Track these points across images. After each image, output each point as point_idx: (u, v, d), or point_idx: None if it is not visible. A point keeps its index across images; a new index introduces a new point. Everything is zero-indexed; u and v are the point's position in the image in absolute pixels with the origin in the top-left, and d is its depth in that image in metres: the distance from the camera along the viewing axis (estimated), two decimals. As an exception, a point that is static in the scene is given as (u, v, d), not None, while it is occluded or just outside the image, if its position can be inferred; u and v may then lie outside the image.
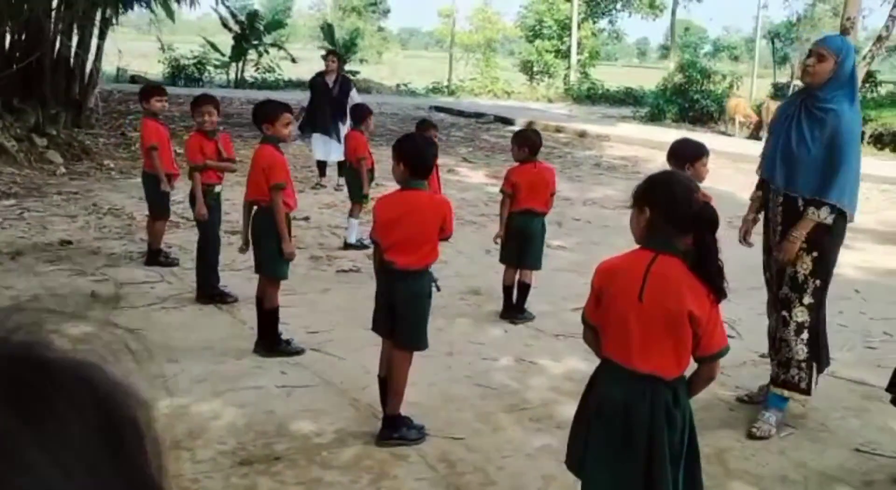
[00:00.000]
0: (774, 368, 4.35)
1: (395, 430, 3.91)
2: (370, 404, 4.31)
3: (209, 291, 5.90)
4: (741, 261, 6.74)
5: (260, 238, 4.92)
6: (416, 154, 3.95)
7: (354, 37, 30.96)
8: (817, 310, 4.25)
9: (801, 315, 4.18)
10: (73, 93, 14.09)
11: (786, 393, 4.27)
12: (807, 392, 4.28)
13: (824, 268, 4.17)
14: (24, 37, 13.29)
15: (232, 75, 29.03)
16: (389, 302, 3.97)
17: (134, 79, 24.80)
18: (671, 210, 2.65)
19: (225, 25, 27.70)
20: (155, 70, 27.62)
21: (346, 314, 5.93)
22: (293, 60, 28.97)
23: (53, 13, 13.07)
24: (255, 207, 4.95)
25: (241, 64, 28.91)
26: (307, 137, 10.73)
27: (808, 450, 4.10)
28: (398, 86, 31.03)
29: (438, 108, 24.13)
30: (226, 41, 28.53)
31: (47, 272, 6.43)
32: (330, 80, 10.28)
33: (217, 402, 4.28)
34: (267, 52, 29.65)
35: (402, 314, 3.92)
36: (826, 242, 4.12)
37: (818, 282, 4.16)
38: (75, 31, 13.84)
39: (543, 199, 5.83)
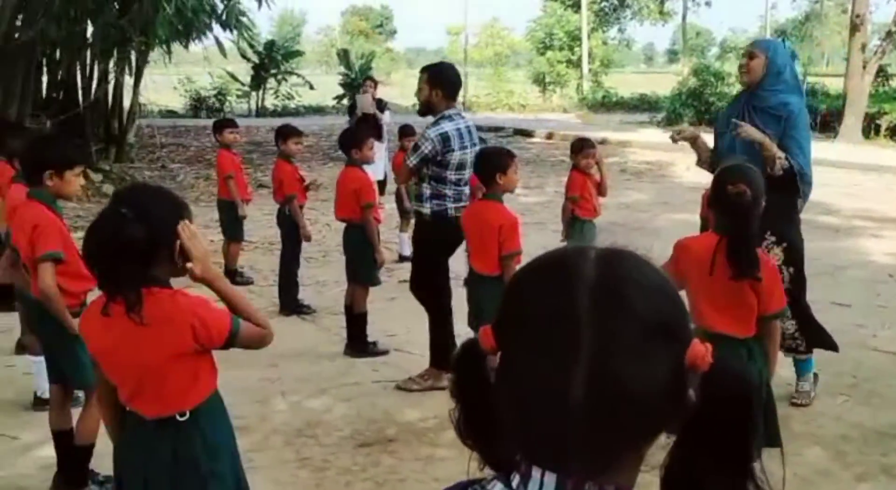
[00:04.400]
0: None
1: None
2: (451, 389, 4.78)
3: (291, 304, 6.40)
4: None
5: (353, 251, 5.43)
6: (482, 167, 4.43)
7: (370, 60, 31.57)
8: (798, 294, 4.45)
9: None
10: (113, 129, 14.71)
11: (794, 356, 4.67)
12: (808, 351, 4.65)
13: (795, 255, 4.44)
14: (60, 79, 13.97)
15: (252, 104, 29.74)
16: (474, 302, 4.47)
17: (172, 112, 25.66)
18: None
19: (244, 56, 28.42)
20: (175, 103, 28.35)
21: (417, 318, 6.39)
22: (311, 87, 29.67)
23: (89, 54, 13.70)
24: (346, 224, 5.47)
25: (261, 92, 29.65)
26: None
27: (863, 414, 4.54)
28: (414, 105, 31.62)
29: (457, 125, 24.65)
30: (237, 70, 29.23)
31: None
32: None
33: (325, 398, 4.78)
34: (285, 80, 30.40)
35: (487, 313, 4.39)
36: (791, 233, 4.42)
37: (792, 269, 4.40)
38: (112, 70, 14.49)
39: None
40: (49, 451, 3.84)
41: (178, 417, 2.13)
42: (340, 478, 3.81)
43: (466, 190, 4.90)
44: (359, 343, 5.50)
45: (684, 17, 37.00)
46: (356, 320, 5.53)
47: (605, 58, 34.14)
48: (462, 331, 5.58)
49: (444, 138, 4.62)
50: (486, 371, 0.90)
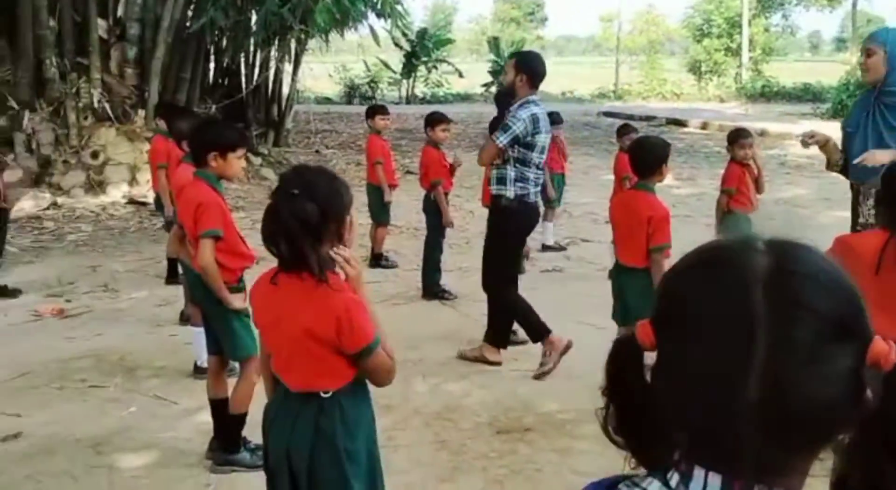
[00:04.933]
0: None
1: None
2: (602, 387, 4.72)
3: (433, 289, 6.50)
4: None
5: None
6: (641, 157, 4.32)
7: (519, 47, 31.49)
8: None
9: None
10: (273, 115, 15.36)
11: None
12: None
13: None
14: (224, 66, 14.71)
15: (403, 92, 30.35)
16: (620, 294, 4.37)
17: (327, 99, 26.68)
18: None
19: (396, 44, 29.05)
20: (329, 90, 29.34)
21: (558, 309, 6.37)
22: (460, 75, 29.97)
23: (252, 42, 14.35)
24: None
25: (411, 80, 30.21)
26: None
27: None
28: (563, 93, 31.36)
29: (607, 114, 24.24)
30: (389, 59, 29.87)
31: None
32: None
33: (464, 383, 4.83)
34: (436, 67, 30.84)
35: (632, 306, 4.28)
36: None
37: None
38: (272, 57, 15.13)
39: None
40: (206, 417, 4.08)
41: (321, 394, 2.20)
42: (477, 462, 3.84)
43: (542, 175, 5.07)
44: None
45: (854, 4, 34.72)
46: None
47: (766, 45, 32.55)
48: (605, 323, 5.48)
49: (535, 120, 4.72)
50: (641, 368, 0.88)
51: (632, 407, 0.90)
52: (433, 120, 6.57)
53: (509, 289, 5.09)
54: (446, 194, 6.60)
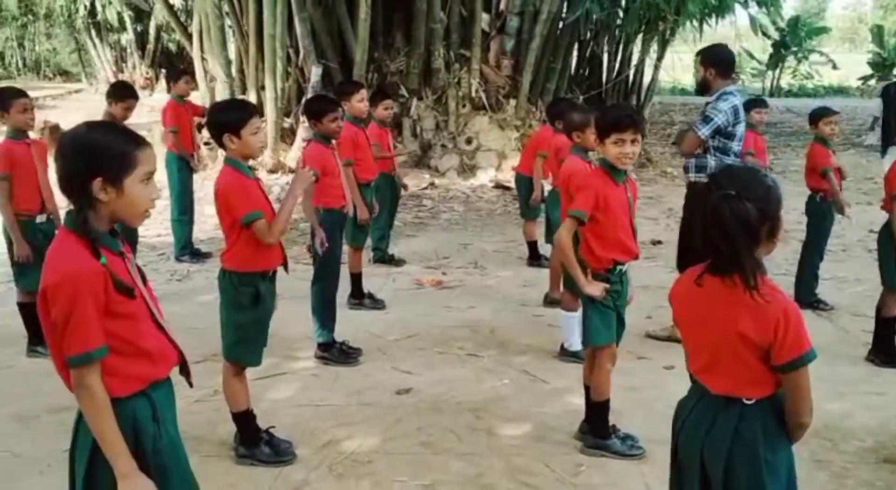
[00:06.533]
0: None
1: None
2: None
3: (808, 298, 6.06)
4: None
5: (882, 249, 4.98)
6: None
7: (908, 36, 28.13)
8: None
9: None
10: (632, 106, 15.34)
11: None
12: None
13: None
14: (587, 56, 14.94)
15: (766, 83, 28.64)
16: None
17: (683, 90, 26.19)
18: None
19: (764, 33, 27.42)
20: (686, 80, 28.52)
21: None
22: (834, 66, 27.52)
23: (617, 32, 14.41)
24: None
25: (777, 71, 28.39)
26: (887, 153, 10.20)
27: None
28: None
29: None
30: (751, 48, 28.20)
31: (648, 268, 7.16)
32: (914, 87, 9.67)
33: (845, 403, 4.46)
34: (806, 58, 28.65)
35: None
36: None
37: None
38: (637, 48, 15.09)
39: None
40: (574, 398, 4.24)
41: (744, 400, 2.15)
42: (861, 489, 3.55)
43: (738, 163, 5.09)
44: (887, 351, 5.01)
45: None
46: (885, 325, 5.03)
47: None
48: None
49: (735, 111, 4.92)
50: None
51: None
52: (818, 115, 6.13)
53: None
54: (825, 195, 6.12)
